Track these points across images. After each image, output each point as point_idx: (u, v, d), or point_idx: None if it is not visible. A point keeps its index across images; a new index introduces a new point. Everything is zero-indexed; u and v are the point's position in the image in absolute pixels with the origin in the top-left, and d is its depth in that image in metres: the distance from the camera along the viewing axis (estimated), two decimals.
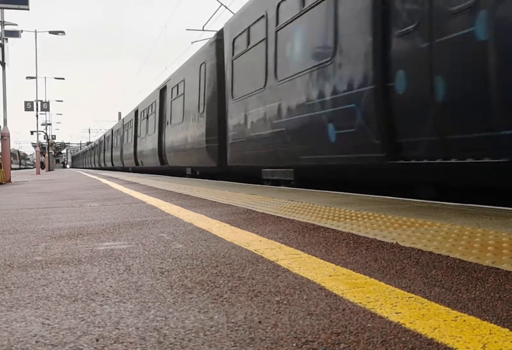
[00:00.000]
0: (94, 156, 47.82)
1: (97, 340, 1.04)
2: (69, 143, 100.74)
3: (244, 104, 8.29)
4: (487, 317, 1.13)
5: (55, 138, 57.72)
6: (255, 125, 7.83)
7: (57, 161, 77.03)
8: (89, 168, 56.47)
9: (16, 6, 11.98)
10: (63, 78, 38.08)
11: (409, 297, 1.30)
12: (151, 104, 17.60)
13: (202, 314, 1.21)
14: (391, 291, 1.37)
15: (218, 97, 10.01)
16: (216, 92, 10.09)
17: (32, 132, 40.48)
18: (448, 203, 3.68)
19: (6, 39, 13.71)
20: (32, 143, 52.47)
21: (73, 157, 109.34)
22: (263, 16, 7.41)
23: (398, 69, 4.32)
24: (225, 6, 17.06)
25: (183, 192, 6.10)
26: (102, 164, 39.41)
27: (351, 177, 5.65)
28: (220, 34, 10.05)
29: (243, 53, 8.39)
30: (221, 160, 9.85)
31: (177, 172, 14.98)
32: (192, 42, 19.91)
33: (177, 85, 13.62)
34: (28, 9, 11.98)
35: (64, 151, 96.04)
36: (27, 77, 33.43)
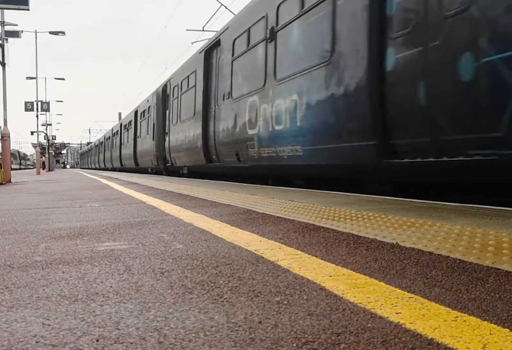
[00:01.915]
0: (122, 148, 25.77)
1: (97, 341, 1.04)
2: (69, 143, 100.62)
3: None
4: (487, 317, 1.13)
5: (55, 139, 57.71)
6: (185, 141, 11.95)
7: (57, 161, 76.96)
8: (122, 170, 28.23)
9: (16, 7, 11.98)
10: (63, 79, 38.11)
11: (409, 297, 1.30)
12: (129, 122, 22.00)
13: (203, 314, 1.21)
14: (391, 291, 1.37)
15: (163, 123, 14.84)
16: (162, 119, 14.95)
17: (32, 133, 40.53)
18: (448, 203, 3.68)
19: (6, 39, 13.72)
20: (32, 143, 52.49)
21: (81, 155, 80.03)
22: (194, 71, 11.01)
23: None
24: (225, 7, 17.07)
25: (183, 192, 6.10)
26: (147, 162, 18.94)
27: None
28: (165, 85, 14.88)
29: (173, 100, 12.87)
30: (164, 162, 14.44)
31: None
32: (192, 43, 19.93)
33: (144, 111, 18.28)
34: (28, 10, 11.98)
35: (64, 151, 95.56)
36: (27, 78, 33.46)
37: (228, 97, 8.82)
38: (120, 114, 64.90)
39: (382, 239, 2.20)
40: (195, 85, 11.22)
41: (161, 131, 15.25)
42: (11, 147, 15.88)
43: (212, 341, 1.02)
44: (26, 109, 28.34)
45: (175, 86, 13.62)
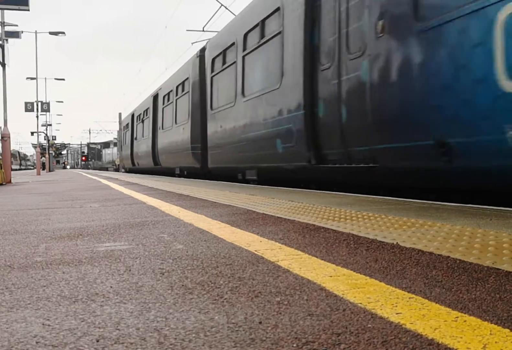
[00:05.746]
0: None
1: (98, 341, 1.04)
2: (69, 144, 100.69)
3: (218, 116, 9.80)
4: (487, 317, 1.13)
5: (55, 139, 57.70)
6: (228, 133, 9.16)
7: (58, 162, 76.96)
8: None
9: (16, 7, 12.00)
10: (63, 79, 38.14)
11: (409, 298, 1.30)
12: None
13: (203, 315, 1.21)
14: (392, 291, 1.37)
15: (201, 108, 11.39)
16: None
17: (32, 133, 40.54)
18: (448, 203, 3.68)
19: (7, 40, 13.74)
20: (33, 144, 52.55)
21: (109, 143, 45.52)
22: (233, 43, 8.57)
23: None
24: (225, 7, 17.07)
25: (183, 193, 6.10)
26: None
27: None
28: (202, 51, 11.35)
29: (220, 71, 9.66)
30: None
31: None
32: (192, 43, 19.94)
33: (168, 93, 14.75)
34: (28, 10, 12.00)
35: (64, 152, 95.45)
36: (27, 78, 33.50)
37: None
38: (120, 114, 64.80)
39: (382, 239, 2.20)
40: (280, 32, 6.83)
41: (199, 118, 11.36)
42: (11, 148, 15.92)
43: (212, 342, 1.02)
44: (26, 110, 28.39)
45: (226, 49, 9.34)
